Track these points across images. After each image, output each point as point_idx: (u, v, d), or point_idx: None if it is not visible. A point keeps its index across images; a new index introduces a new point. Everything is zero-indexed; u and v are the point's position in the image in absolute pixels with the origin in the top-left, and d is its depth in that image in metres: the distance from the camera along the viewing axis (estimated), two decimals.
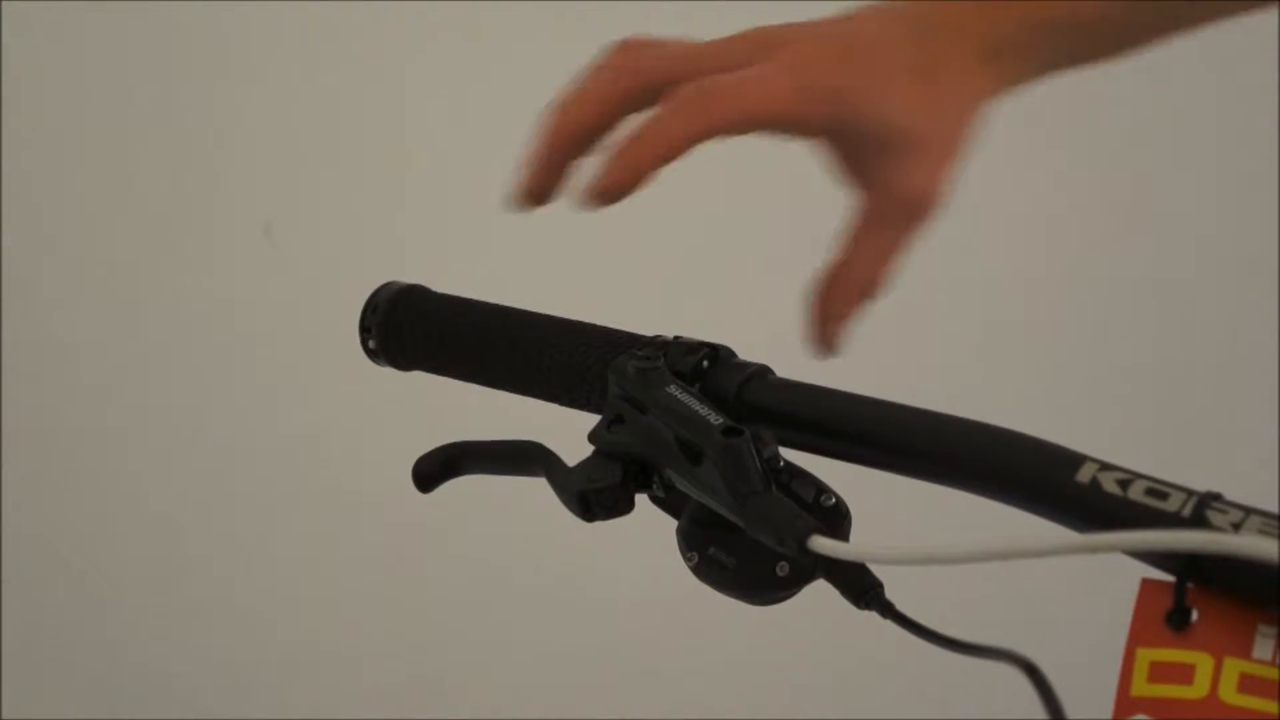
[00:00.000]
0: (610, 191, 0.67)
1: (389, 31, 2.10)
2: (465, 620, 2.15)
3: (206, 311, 2.13)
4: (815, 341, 0.73)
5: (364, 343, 0.81)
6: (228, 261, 2.12)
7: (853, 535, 0.64)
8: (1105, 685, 0.57)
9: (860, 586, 0.63)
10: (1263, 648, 0.54)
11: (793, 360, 0.77)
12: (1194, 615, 0.55)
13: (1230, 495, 0.56)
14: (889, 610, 0.62)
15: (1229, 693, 0.54)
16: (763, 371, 0.69)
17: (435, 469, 0.74)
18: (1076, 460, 0.59)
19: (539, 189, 0.71)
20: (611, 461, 0.67)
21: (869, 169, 0.71)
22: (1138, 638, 0.56)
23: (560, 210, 0.75)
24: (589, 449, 0.69)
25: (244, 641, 2.16)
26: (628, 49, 0.73)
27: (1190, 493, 0.56)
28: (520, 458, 0.71)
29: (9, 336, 2.12)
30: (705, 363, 0.69)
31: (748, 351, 0.71)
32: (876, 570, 0.63)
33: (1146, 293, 2.12)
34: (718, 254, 2.04)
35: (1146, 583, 0.56)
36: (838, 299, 0.73)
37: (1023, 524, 0.60)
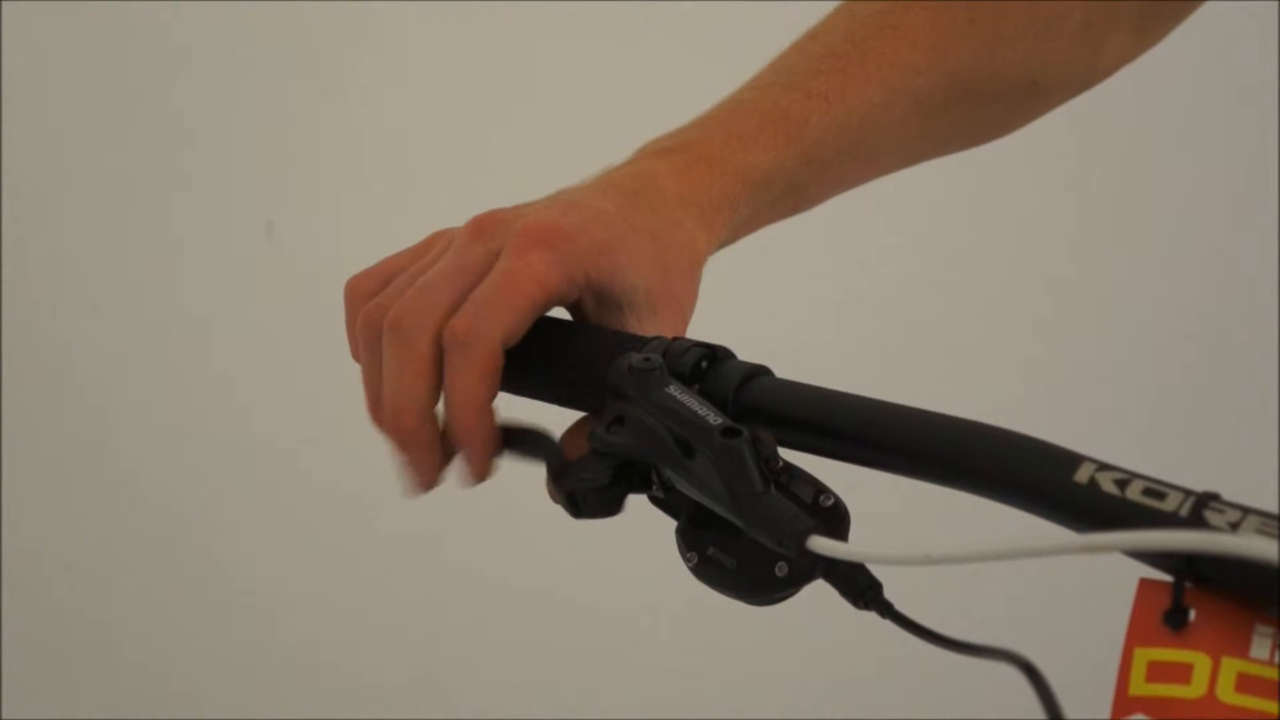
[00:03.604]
0: (482, 476, 0.72)
1: (390, 31, 2.10)
2: (465, 620, 2.15)
3: (206, 310, 2.13)
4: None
5: None
6: (228, 261, 2.12)
7: (851, 535, 0.64)
8: (1103, 685, 0.57)
9: (859, 587, 0.63)
10: (1260, 647, 0.54)
11: (793, 361, 0.77)
12: (1191, 615, 0.55)
13: (1229, 495, 0.56)
14: (888, 610, 0.62)
15: (1226, 692, 0.54)
16: (762, 372, 0.69)
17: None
18: (1074, 460, 0.59)
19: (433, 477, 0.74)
20: (605, 463, 0.68)
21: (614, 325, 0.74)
22: (1136, 637, 0.56)
23: None
24: None
25: (244, 641, 2.16)
26: (369, 320, 0.74)
27: (1188, 493, 0.56)
28: (526, 441, 0.71)
29: (9, 336, 2.12)
30: (704, 363, 0.69)
31: (747, 353, 0.71)
32: (875, 570, 0.63)
33: (1146, 293, 2.12)
34: (717, 255, 2.04)
35: (1144, 582, 0.56)
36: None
37: (1021, 524, 0.60)
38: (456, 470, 0.72)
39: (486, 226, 0.73)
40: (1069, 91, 0.93)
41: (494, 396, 0.71)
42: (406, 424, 0.71)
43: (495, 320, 0.70)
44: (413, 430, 0.71)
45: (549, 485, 0.70)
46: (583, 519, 0.69)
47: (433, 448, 0.72)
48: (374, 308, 0.73)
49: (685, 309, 0.76)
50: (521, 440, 0.72)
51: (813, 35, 0.86)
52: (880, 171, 0.88)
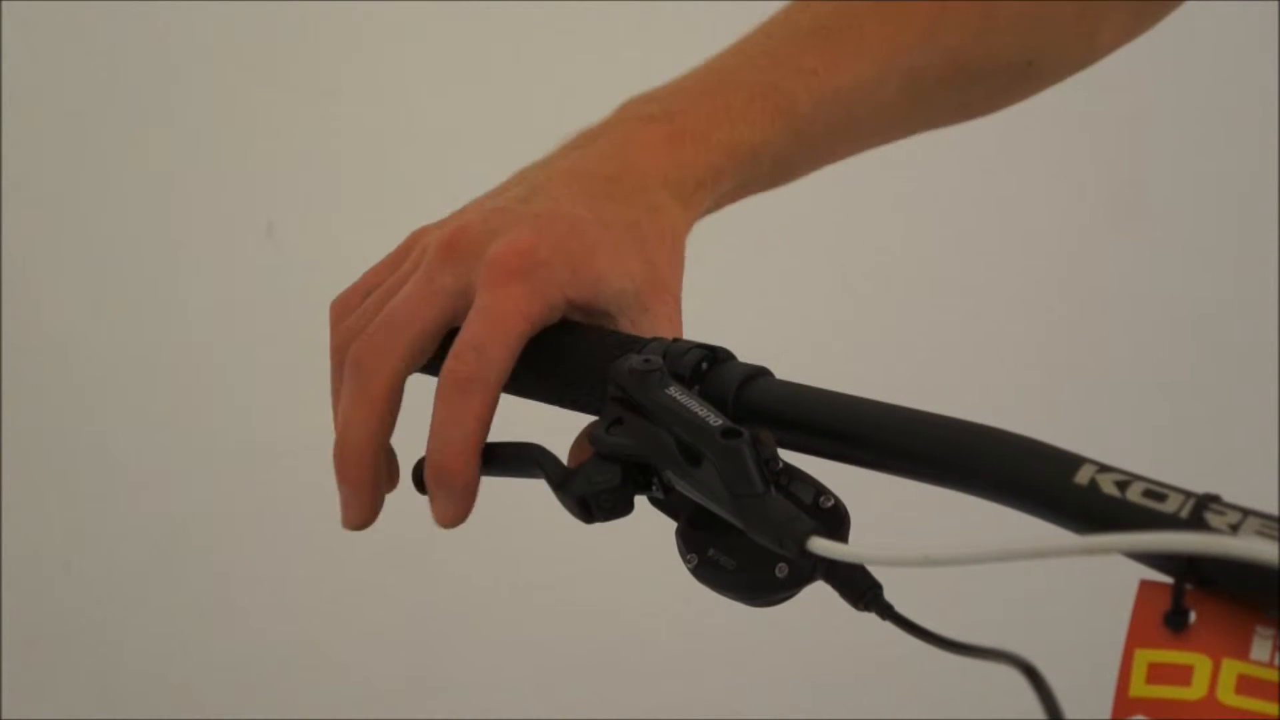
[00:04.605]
0: (461, 518, 0.70)
1: (390, 31, 2.10)
2: (465, 621, 2.15)
3: (206, 311, 2.13)
4: None
5: None
6: (228, 261, 2.12)
7: (851, 537, 0.64)
8: (1104, 686, 0.57)
9: (859, 588, 0.62)
10: (1261, 649, 0.54)
11: (793, 362, 0.77)
12: (1192, 616, 0.55)
13: (1229, 497, 0.56)
14: (888, 611, 0.62)
15: (1227, 694, 0.54)
16: (762, 373, 0.69)
17: None
18: (1075, 462, 0.59)
19: (372, 508, 0.72)
20: (611, 464, 0.67)
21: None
22: (1136, 639, 0.56)
23: None
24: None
25: (244, 641, 2.16)
26: (338, 345, 0.73)
27: (1188, 494, 0.56)
28: (520, 459, 0.71)
29: (9, 336, 2.12)
30: (704, 364, 0.69)
31: (747, 354, 0.71)
32: (875, 571, 0.63)
33: (1147, 292, 2.12)
34: (718, 255, 2.04)
35: (1145, 584, 0.56)
36: None
37: (1021, 526, 0.60)
38: (432, 510, 0.70)
39: (458, 248, 0.71)
40: (1066, 70, 0.92)
41: (485, 438, 0.70)
42: (348, 460, 0.70)
43: (494, 363, 0.68)
44: (353, 468, 0.70)
45: (557, 493, 0.69)
46: (594, 522, 0.68)
47: (370, 488, 0.70)
48: (343, 332, 0.72)
49: (675, 292, 0.75)
50: (514, 459, 0.71)
51: (803, 6, 0.84)
52: (869, 145, 0.86)
